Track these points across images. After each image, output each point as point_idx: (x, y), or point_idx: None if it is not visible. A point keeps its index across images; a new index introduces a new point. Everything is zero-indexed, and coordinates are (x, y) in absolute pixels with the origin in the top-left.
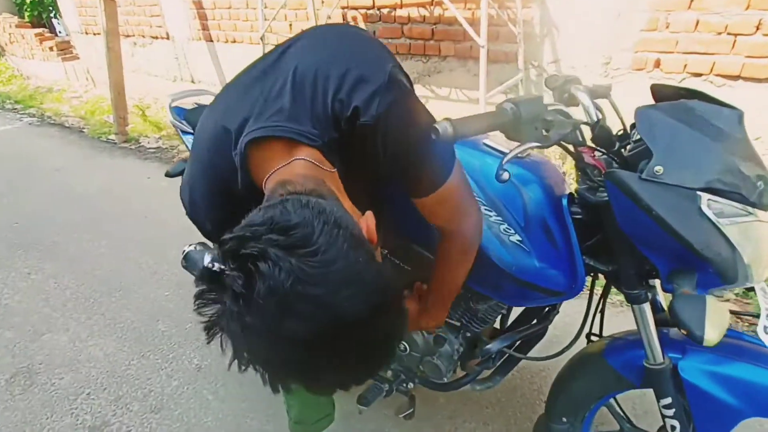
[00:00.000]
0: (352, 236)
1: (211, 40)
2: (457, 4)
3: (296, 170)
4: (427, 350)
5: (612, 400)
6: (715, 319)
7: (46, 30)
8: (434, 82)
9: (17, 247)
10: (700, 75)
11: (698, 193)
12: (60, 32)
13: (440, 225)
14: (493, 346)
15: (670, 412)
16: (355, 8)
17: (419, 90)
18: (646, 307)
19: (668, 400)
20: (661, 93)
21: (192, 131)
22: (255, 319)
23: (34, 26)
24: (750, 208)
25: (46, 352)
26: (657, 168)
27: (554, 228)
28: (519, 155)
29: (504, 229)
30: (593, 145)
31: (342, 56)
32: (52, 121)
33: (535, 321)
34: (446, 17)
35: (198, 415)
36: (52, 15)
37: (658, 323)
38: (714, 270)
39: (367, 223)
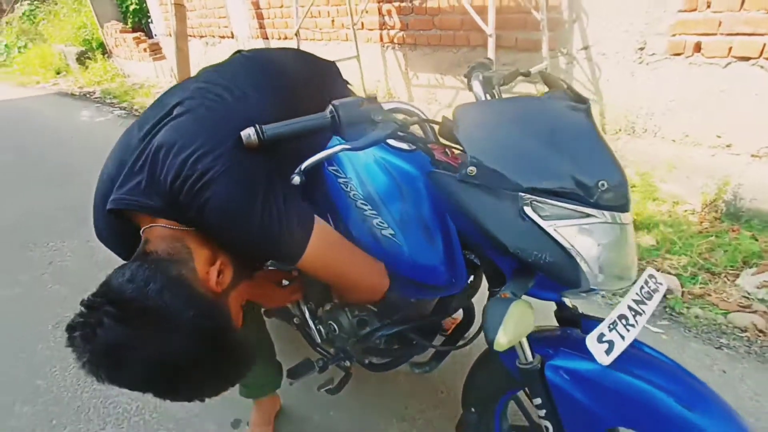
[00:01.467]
0: (178, 296)
1: (267, 38)
2: None
3: (155, 233)
4: (352, 332)
5: (522, 395)
6: (512, 325)
7: (142, 34)
8: (462, 72)
9: (87, 220)
10: (747, 59)
11: (520, 194)
12: (154, 35)
13: None
14: (383, 330)
15: (542, 412)
16: (390, 1)
17: (450, 81)
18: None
19: (539, 401)
20: (547, 81)
21: None
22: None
23: (134, 31)
24: (591, 210)
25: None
26: (470, 169)
27: (432, 223)
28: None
29: (377, 223)
30: (446, 142)
31: (193, 135)
32: (136, 114)
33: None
34: (475, 6)
35: None
36: (149, 21)
37: (562, 322)
38: (546, 274)
39: (210, 274)
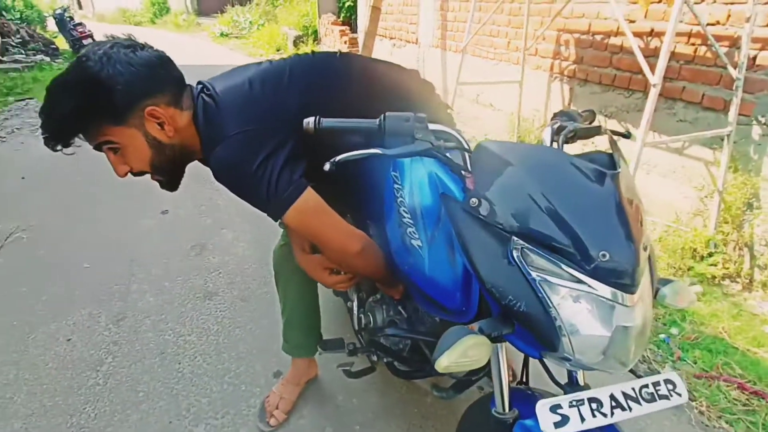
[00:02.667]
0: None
1: (444, 48)
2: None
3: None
4: (381, 328)
5: None
6: (458, 352)
7: (347, 28)
8: (632, 119)
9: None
10: None
11: (513, 237)
12: (358, 31)
13: None
14: (389, 330)
15: None
16: (570, 32)
17: (614, 126)
18: (501, 347)
19: None
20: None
21: None
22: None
23: (342, 24)
24: (585, 278)
25: (217, 239)
26: (473, 200)
27: (458, 248)
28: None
29: (410, 232)
30: None
31: (239, 111)
32: None
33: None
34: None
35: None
36: (356, 17)
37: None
38: (520, 323)
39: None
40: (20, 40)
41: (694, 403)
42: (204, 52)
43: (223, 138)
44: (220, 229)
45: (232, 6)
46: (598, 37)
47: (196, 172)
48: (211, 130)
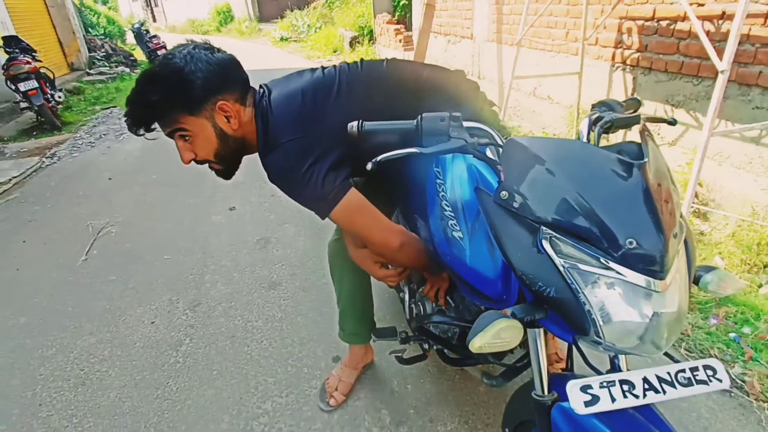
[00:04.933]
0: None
1: (500, 42)
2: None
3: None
4: (430, 316)
5: None
6: (491, 335)
7: (402, 26)
8: (701, 108)
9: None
10: None
11: (542, 227)
12: (413, 29)
13: None
14: (436, 317)
15: None
16: (633, 19)
17: (682, 115)
18: (539, 333)
19: None
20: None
21: None
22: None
23: (397, 23)
24: (614, 264)
25: (280, 233)
26: (503, 193)
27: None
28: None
29: (451, 224)
30: None
31: (294, 121)
32: None
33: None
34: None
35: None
36: (411, 15)
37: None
38: (551, 308)
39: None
40: (104, 54)
41: (765, 405)
42: (265, 56)
43: (277, 145)
44: (283, 224)
45: (291, 11)
46: (663, 23)
47: (259, 170)
48: (266, 136)
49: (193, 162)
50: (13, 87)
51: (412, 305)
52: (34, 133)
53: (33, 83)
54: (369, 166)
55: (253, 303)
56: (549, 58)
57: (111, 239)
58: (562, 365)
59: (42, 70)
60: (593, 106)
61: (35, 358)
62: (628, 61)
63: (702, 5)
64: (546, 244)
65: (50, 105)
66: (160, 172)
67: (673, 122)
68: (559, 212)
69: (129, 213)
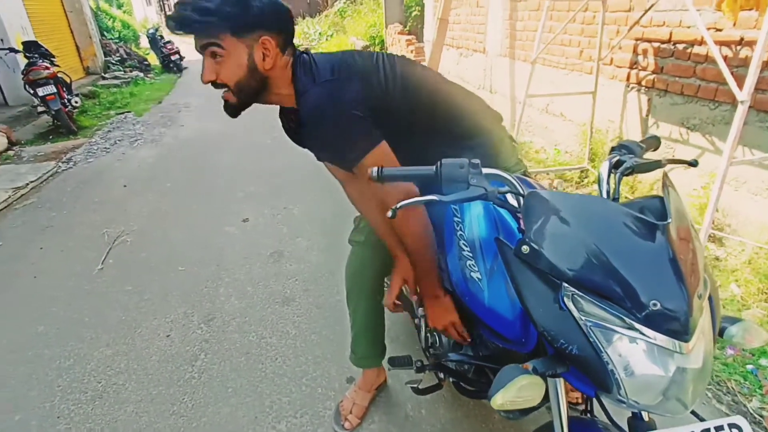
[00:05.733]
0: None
1: (513, 58)
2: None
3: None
4: (447, 350)
5: None
6: (513, 392)
7: (414, 37)
8: (718, 133)
9: (279, 191)
10: None
11: (564, 284)
12: (425, 40)
13: None
14: (452, 356)
15: None
16: (649, 41)
17: (697, 139)
18: (559, 382)
19: None
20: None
21: None
22: None
23: (408, 34)
24: (638, 325)
25: (292, 247)
26: (524, 247)
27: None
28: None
29: (470, 264)
30: None
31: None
32: None
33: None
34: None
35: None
36: (423, 27)
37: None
38: (573, 364)
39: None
40: (119, 58)
41: None
42: None
43: (321, 82)
44: (296, 238)
45: (303, 18)
46: (680, 46)
47: (272, 182)
48: (304, 79)
49: (210, 84)
50: (32, 91)
51: (428, 335)
52: (51, 137)
53: (51, 88)
54: (389, 214)
55: (267, 319)
56: (562, 75)
57: (126, 248)
58: (577, 394)
59: (59, 75)
60: (612, 149)
61: (53, 368)
62: (643, 83)
63: (720, 30)
64: (568, 302)
65: (67, 110)
66: (174, 180)
67: (694, 164)
68: (581, 270)
69: (143, 221)
